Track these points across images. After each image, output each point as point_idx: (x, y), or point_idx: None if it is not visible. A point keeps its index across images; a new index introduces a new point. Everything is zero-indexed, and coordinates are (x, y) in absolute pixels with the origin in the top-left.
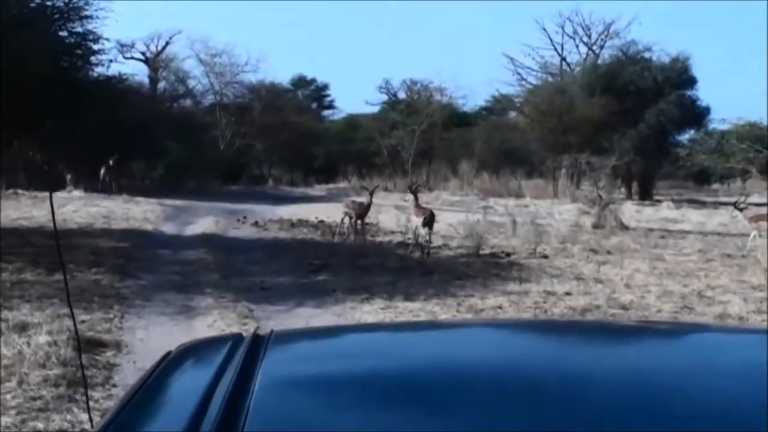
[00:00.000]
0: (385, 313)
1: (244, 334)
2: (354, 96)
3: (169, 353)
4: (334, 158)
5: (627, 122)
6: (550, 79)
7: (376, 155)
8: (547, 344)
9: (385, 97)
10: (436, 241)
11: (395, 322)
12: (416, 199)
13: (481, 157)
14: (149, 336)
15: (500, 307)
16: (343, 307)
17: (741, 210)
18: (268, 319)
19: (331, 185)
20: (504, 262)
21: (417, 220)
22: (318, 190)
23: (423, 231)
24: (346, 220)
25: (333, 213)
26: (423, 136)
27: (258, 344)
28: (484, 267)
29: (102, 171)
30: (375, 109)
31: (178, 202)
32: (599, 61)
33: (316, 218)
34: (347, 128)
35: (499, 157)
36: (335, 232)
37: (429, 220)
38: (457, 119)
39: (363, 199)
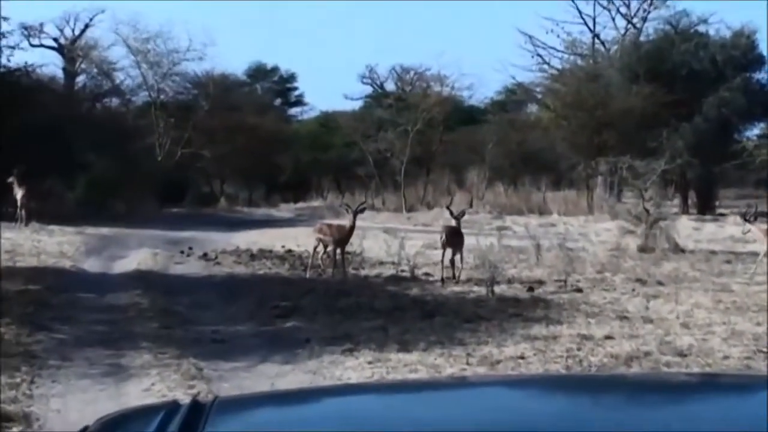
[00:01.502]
0: (373, 368)
1: (182, 402)
2: (329, 89)
3: (86, 428)
4: (304, 169)
5: (679, 115)
6: (579, 61)
7: (359, 164)
8: (586, 409)
9: (369, 90)
10: (438, 274)
11: (383, 382)
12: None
13: (494, 163)
14: (67, 406)
15: (522, 358)
16: (319, 361)
17: (751, 220)
18: (222, 381)
19: (301, 204)
20: (526, 298)
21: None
22: (285, 210)
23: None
24: (321, 248)
25: (304, 240)
26: (419, 138)
27: (198, 414)
28: (501, 305)
29: None
30: (356, 105)
31: (104, 231)
32: (642, 38)
33: (283, 247)
34: (321, 130)
35: (517, 164)
36: (307, 264)
37: (450, 238)
38: (461, 116)
39: (343, 221)
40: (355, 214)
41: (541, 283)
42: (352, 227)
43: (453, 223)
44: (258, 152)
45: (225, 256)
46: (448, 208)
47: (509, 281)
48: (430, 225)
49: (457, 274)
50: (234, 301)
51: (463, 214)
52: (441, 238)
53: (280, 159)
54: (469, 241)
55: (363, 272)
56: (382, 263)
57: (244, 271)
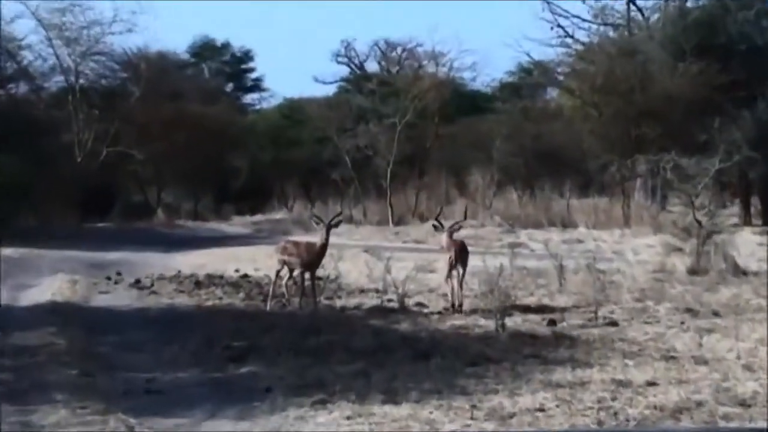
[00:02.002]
0: (352, 425)
1: None
2: (295, 70)
3: None
4: (264, 172)
5: (736, 100)
6: (611, 34)
7: (334, 165)
8: None
9: (345, 71)
10: (434, 304)
11: None
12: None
13: (504, 163)
14: None
15: (541, 410)
16: (283, 417)
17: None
18: None
19: (260, 217)
20: (545, 334)
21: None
22: (239, 225)
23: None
24: (286, 273)
25: (264, 262)
26: (409, 131)
27: None
28: (514, 343)
29: None
30: (329, 91)
31: (7, 252)
32: (689, 4)
33: (237, 272)
34: (285, 123)
35: (533, 163)
36: (268, 293)
37: (461, 256)
38: (462, 103)
39: (313, 237)
40: (329, 228)
41: (564, 314)
42: (325, 245)
43: (445, 236)
44: (205, 151)
45: (163, 283)
46: (436, 219)
47: (524, 312)
48: (424, 242)
49: (460, 303)
50: (174, 340)
51: (456, 228)
52: (450, 256)
53: (234, 159)
54: (472, 261)
55: (339, 303)
56: (362, 291)
57: (187, 302)
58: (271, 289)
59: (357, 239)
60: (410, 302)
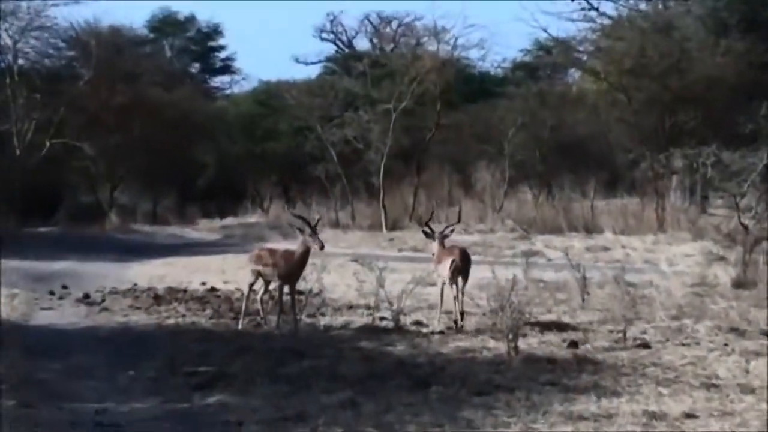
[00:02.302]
0: None
1: None
2: (271, 49)
3: None
4: (235, 168)
5: None
6: (643, 7)
7: (317, 160)
8: None
9: (331, 49)
10: (432, 323)
11: None
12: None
13: (518, 157)
14: None
15: None
16: None
17: None
18: None
19: (230, 220)
20: (566, 357)
21: (443, 272)
22: (206, 229)
23: (452, 287)
24: (261, 286)
25: (235, 273)
26: (406, 120)
27: None
28: (528, 369)
29: None
30: (312, 72)
31: None
32: None
33: (204, 285)
34: (260, 110)
35: (552, 158)
36: (240, 310)
37: (464, 265)
38: (469, 87)
39: (293, 244)
40: (314, 230)
41: (588, 334)
42: (305, 253)
43: (436, 243)
44: (166, 143)
45: (116, 298)
46: (426, 224)
47: (541, 332)
48: (423, 250)
49: (460, 320)
50: (130, 365)
51: (448, 233)
52: (451, 265)
53: (200, 153)
54: (479, 272)
55: (323, 321)
56: (351, 307)
57: (145, 320)
58: (243, 305)
59: (344, 247)
60: (407, 321)
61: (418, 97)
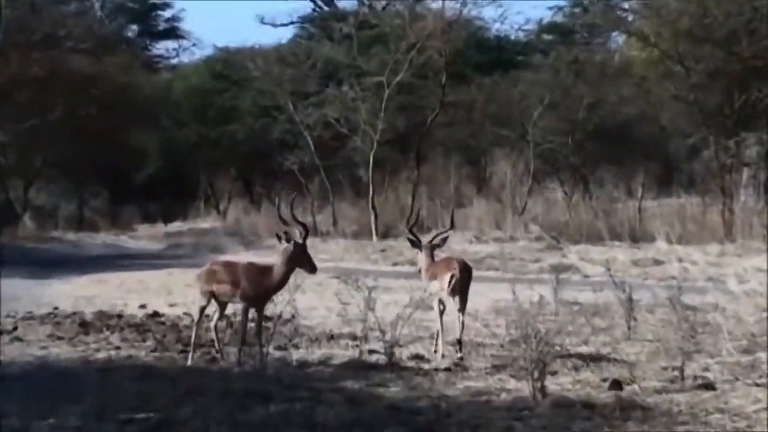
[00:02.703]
0: None
1: None
2: (230, 7)
3: None
4: (184, 159)
5: None
6: None
7: (289, 147)
8: None
9: (307, 7)
10: (438, 357)
11: None
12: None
13: (545, 144)
14: None
15: None
16: None
17: None
18: None
19: (178, 225)
20: (607, 401)
21: (440, 290)
22: (147, 236)
23: (450, 303)
24: (215, 310)
25: (184, 293)
26: (403, 98)
27: None
28: (559, 416)
29: None
30: (283, 36)
31: None
32: None
33: (143, 308)
34: (216, 85)
35: (589, 145)
36: (189, 342)
37: (465, 279)
38: (483, 55)
39: (262, 257)
40: (305, 237)
41: (635, 372)
42: (288, 273)
43: (423, 254)
44: (95, 127)
45: (32, 325)
46: (410, 230)
47: (575, 369)
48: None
49: (459, 351)
50: (48, 410)
51: (438, 242)
52: (450, 280)
53: (139, 140)
54: (495, 292)
55: (296, 355)
56: (332, 338)
57: (68, 353)
58: (193, 335)
59: (324, 260)
60: (403, 355)
61: (418, 67)
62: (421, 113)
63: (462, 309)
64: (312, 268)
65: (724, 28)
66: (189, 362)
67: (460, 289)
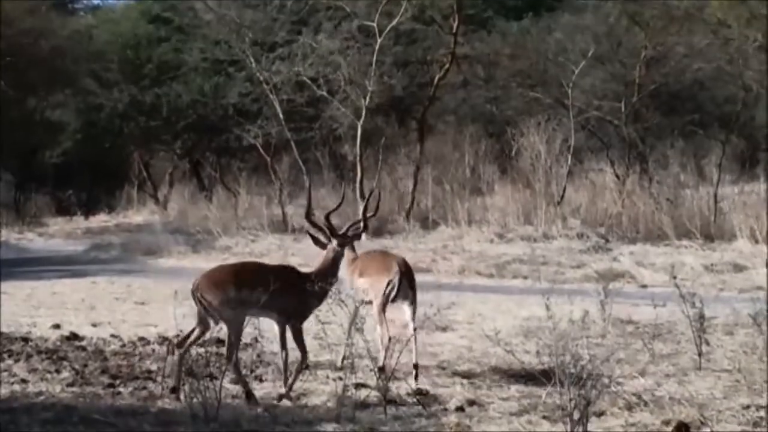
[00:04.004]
0: None
1: None
2: None
3: None
4: (110, 133)
5: None
6: None
7: (251, 115)
8: None
9: None
10: (450, 390)
11: None
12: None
13: (590, 111)
14: None
15: None
16: None
17: None
18: None
19: (102, 218)
20: None
21: (377, 294)
22: (61, 234)
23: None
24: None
25: (111, 309)
26: (400, 50)
27: None
28: None
29: None
30: None
31: None
32: None
33: (57, 328)
34: (152, 33)
35: (650, 113)
36: (117, 373)
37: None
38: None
39: (216, 259)
40: (355, 233)
41: (708, 412)
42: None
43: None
44: None
45: None
46: (326, 218)
47: (628, 407)
48: (429, 269)
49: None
50: None
51: (357, 231)
52: (390, 281)
53: (51, 107)
54: (525, 307)
55: (260, 391)
56: (308, 367)
57: None
58: (177, 360)
59: (298, 263)
60: (401, 389)
61: (421, 8)
62: (425, 70)
63: (412, 316)
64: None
65: None
66: (141, 399)
67: (402, 291)
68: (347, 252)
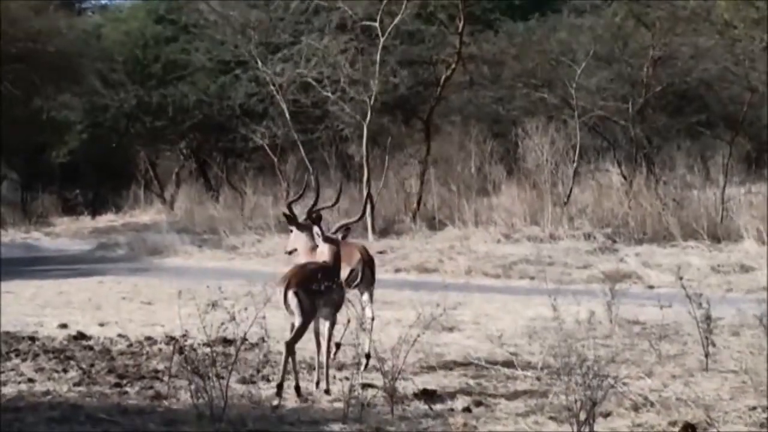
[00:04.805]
0: None
1: None
2: None
3: None
4: (116, 132)
5: None
6: None
7: (256, 117)
8: None
9: None
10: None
11: None
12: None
13: (596, 111)
14: None
15: None
16: None
17: None
18: None
19: (109, 218)
20: None
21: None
22: (68, 233)
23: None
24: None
25: (118, 309)
26: (406, 49)
27: None
28: None
29: None
30: None
31: None
32: None
33: (64, 328)
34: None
35: (657, 113)
36: (125, 373)
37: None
38: None
39: (225, 259)
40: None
41: (714, 414)
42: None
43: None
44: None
45: None
46: (289, 206)
47: (635, 408)
48: (437, 270)
49: (365, 361)
50: None
51: (313, 218)
52: (353, 270)
53: (58, 106)
54: (531, 308)
55: (266, 390)
56: (314, 367)
57: None
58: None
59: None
60: (408, 389)
61: (424, 7)
62: (430, 71)
63: (371, 305)
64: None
65: None
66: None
67: (365, 282)
68: (307, 240)
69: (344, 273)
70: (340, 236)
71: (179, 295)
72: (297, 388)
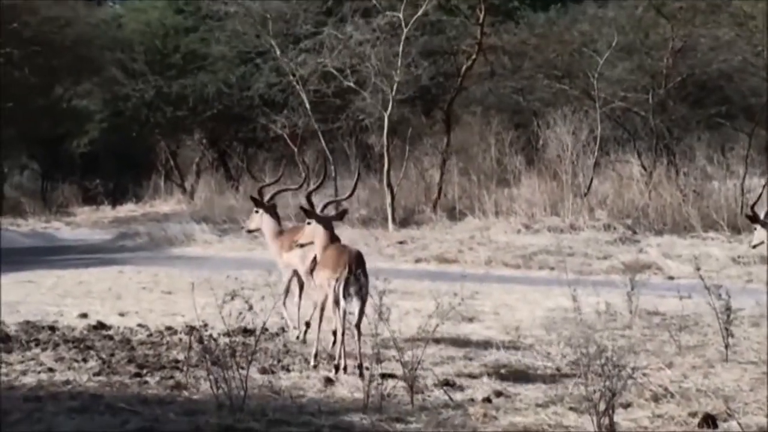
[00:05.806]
0: None
1: None
2: None
3: None
4: (136, 122)
5: None
6: None
7: (278, 106)
8: None
9: None
10: (476, 385)
11: None
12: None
13: (616, 102)
14: None
15: None
16: None
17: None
18: None
19: (130, 208)
20: None
21: (290, 260)
22: (88, 223)
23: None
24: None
25: (138, 299)
26: (426, 41)
27: None
28: None
29: None
30: None
31: None
32: None
33: (85, 318)
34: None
35: (678, 104)
36: (144, 362)
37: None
38: None
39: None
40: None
41: (734, 405)
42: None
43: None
44: (19, 81)
45: None
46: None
47: (655, 399)
48: (456, 260)
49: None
50: None
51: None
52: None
53: (77, 96)
54: (550, 299)
55: (286, 381)
56: (334, 358)
57: None
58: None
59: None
60: (428, 380)
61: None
62: (451, 61)
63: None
64: None
65: None
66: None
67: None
68: (273, 225)
69: (309, 255)
70: (328, 213)
71: (192, 287)
72: (345, 368)
